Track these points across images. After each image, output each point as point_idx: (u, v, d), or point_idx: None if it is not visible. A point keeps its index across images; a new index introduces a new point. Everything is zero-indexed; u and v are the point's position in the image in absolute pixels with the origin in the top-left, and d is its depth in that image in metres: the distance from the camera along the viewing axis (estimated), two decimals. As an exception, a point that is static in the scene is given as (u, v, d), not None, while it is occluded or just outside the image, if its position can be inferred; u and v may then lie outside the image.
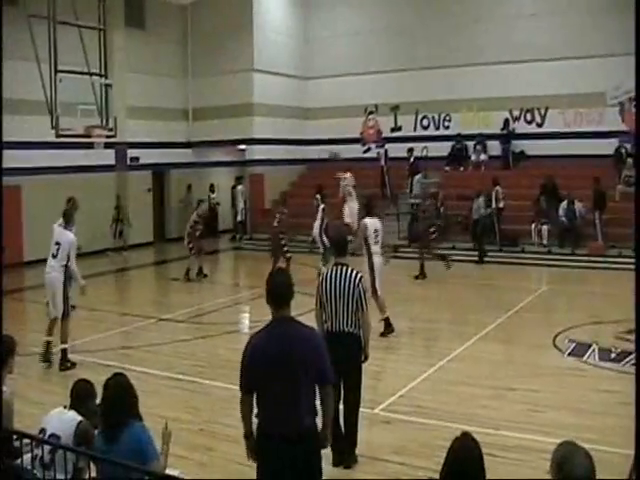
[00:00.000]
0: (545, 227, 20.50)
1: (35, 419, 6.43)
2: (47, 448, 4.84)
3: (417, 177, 24.16)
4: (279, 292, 5.05)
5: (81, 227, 20.57)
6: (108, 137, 17.45)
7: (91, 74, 16.72)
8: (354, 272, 7.21)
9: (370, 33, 26.74)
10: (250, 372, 4.97)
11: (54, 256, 10.97)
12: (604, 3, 22.27)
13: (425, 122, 26.54)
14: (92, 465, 4.90)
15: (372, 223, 12.32)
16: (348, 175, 22.03)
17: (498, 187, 21.14)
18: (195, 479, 6.49)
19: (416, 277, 17.82)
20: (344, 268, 7.22)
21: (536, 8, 23.85)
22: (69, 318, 11.15)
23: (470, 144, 25.34)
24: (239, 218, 26.26)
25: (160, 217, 26.49)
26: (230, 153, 27.78)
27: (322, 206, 17.64)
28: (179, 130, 26.84)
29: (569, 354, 10.95)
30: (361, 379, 7.30)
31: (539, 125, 24.47)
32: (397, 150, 25.34)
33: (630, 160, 20.77)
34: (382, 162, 25.30)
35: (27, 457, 4.97)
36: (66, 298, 11.06)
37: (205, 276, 18.45)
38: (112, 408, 4.83)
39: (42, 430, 5.15)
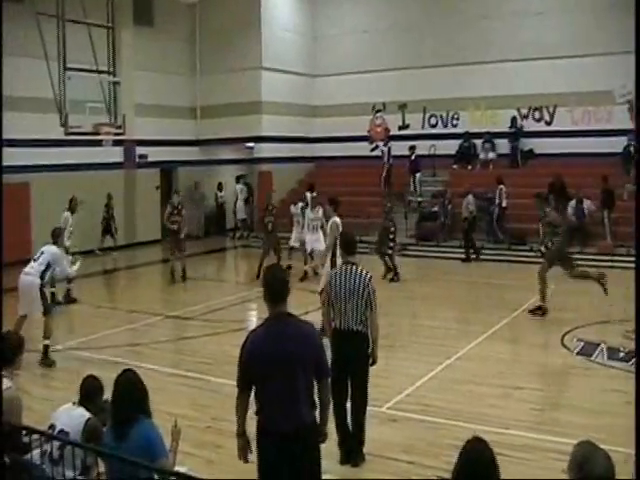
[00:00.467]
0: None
1: (42, 415, 6.47)
2: (56, 444, 4.85)
3: (418, 175, 24.17)
4: (276, 288, 5.06)
5: (88, 224, 20.86)
6: (116, 134, 17.49)
7: (99, 72, 16.76)
8: (364, 271, 7.19)
9: (378, 31, 26.71)
10: (248, 369, 4.99)
11: (34, 260, 11.13)
12: (612, 1, 22.17)
13: (433, 120, 26.49)
14: (100, 462, 4.92)
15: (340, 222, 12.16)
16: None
17: (502, 186, 21.13)
18: (203, 477, 6.49)
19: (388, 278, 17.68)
20: (353, 267, 7.20)
21: (544, 6, 23.77)
22: (51, 315, 11.16)
23: (478, 142, 25.28)
24: (240, 216, 26.40)
25: (168, 214, 26.47)
26: (238, 151, 27.80)
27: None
28: (187, 128, 26.87)
29: (577, 353, 10.93)
30: (368, 377, 7.30)
31: (548, 123, 24.41)
32: (405, 148, 25.35)
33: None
34: (385, 160, 25.29)
35: (36, 452, 4.99)
36: (44, 297, 11.09)
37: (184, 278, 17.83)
38: (121, 404, 4.84)
39: (51, 426, 5.18)
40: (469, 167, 24.97)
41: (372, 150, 27.20)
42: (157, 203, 25.40)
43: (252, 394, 5.16)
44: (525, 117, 24.61)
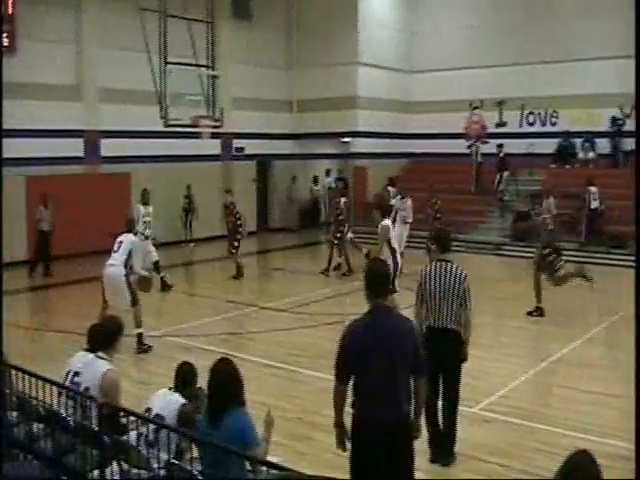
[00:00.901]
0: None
1: (139, 398, 6.64)
2: (152, 427, 4.96)
3: (505, 174, 23.74)
4: (378, 281, 5.07)
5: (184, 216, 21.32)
6: (214, 127, 17.78)
7: (199, 65, 17.07)
8: (459, 269, 7.09)
9: (476, 27, 26.30)
10: (348, 361, 5.00)
11: (115, 251, 11.33)
12: None
13: (531, 118, 25.98)
14: (194, 447, 5.00)
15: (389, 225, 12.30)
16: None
17: (591, 187, 20.56)
18: (293, 467, 6.55)
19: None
20: (448, 264, 7.10)
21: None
22: (139, 305, 11.39)
23: (577, 141, 24.64)
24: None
25: (263, 207, 26.88)
26: (333, 145, 27.90)
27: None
28: (283, 121, 27.12)
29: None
30: (460, 377, 7.20)
31: (652, 123, 23.57)
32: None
33: None
34: (474, 158, 24.91)
35: (133, 434, 5.12)
36: (130, 287, 11.27)
37: (237, 277, 17.22)
38: (218, 392, 4.89)
39: (148, 409, 5.31)
40: (567, 167, 24.35)
41: (468, 147, 26.85)
42: (253, 195, 25.76)
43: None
44: (627, 116, 23.82)
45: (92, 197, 19.74)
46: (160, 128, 16.82)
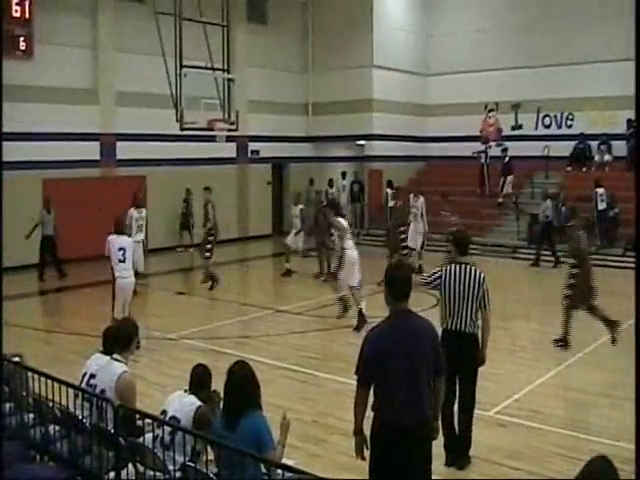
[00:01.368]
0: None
1: (156, 401, 6.66)
2: (167, 429, 4.98)
3: (509, 178, 23.71)
4: (401, 285, 5.07)
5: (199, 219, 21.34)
6: (230, 130, 17.79)
7: (214, 69, 17.08)
8: (477, 271, 7.07)
9: (492, 30, 26.23)
10: (372, 364, 5.01)
11: (122, 261, 11.37)
12: None
13: (547, 121, 25.87)
14: (209, 449, 5.01)
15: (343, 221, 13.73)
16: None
17: (599, 189, 20.51)
18: (307, 470, 6.55)
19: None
20: (467, 267, 7.09)
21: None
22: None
23: (593, 144, 24.52)
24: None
25: (279, 210, 26.91)
26: (349, 148, 27.91)
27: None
28: (299, 124, 27.17)
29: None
30: (476, 379, 7.18)
31: (669, 125, 23.42)
32: (516, 150, 24.95)
33: None
34: (482, 160, 24.89)
35: (149, 436, 5.14)
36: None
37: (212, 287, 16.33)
38: (234, 395, 4.91)
39: (163, 412, 5.31)
40: (584, 169, 24.23)
41: (483, 151, 26.73)
42: (269, 198, 25.80)
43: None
44: (644, 118, 23.63)
45: (108, 200, 19.80)
46: (176, 131, 16.84)
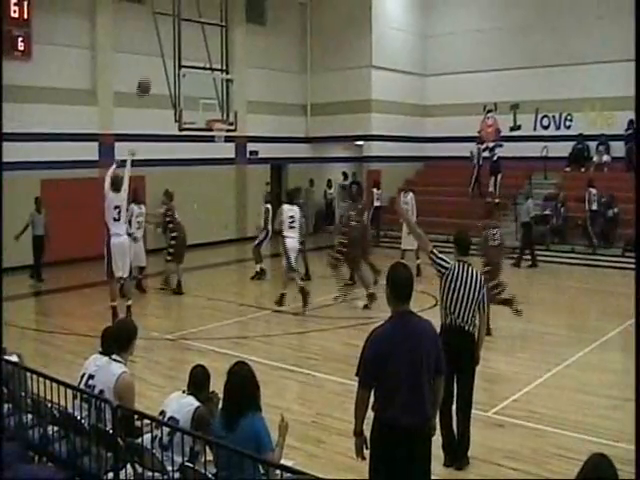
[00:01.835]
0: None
1: (155, 402, 6.66)
2: (166, 430, 4.98)
3: (497, 177, 23.90)
4: (402, 287, 5.07)
5: (199, 218, 21.38)
6: (228, 131, 17.79)
7: (213, 69, 17.07)
8: (478, 272, 7.11)
9: (490, 30, 26.23)
10: (374, 365, 5.01)
11: (117, 220, 11.43)
12: None
13: (545, 121, 25.87)
14: (208, 450, 5.01)
15: (289, 209, 14.42)
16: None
17: (591, 189, 20.62)
18: (305, 470, 6.55)
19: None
20: (470, 267, 7.10)
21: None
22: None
23: (592, 145, 24.54)
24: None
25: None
26: (348, 149, 27.93)
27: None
28: (297, 125, 27.16)
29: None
30: (474, 378, 7.18)
31: (669, 126, 23.43)
32: (515, 150, 24.99)
33: None
34: (475, 161, 24.92)
35: (147, 437, 5.14)
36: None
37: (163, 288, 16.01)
38: (234, 396, 4.90)
39: (162, 412, 5.31)
40: (582, 170, 24.25)
41: (483, 151, 26.76)
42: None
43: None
44: (646, 118, 23.63)
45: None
46: (174, 132, 16.83)
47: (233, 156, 24.54)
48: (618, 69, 22.81)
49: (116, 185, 11.97)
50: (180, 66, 15.81)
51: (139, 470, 4.96)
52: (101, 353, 6.02)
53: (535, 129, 25.94)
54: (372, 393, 5.10)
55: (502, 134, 26.57)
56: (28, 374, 5.86)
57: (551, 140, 25.00)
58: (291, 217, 14.46)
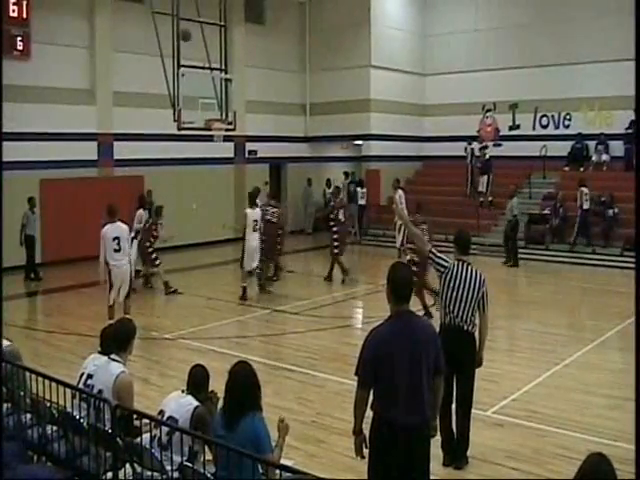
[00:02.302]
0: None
1: (154, 401, 6.66)
2: (165, 429, 4.97)
3: (489, 177, 23.96)
4: (402, 287, 5.06)
5: (197, 217, 21.39)
6: (227, 130, 17.77)
7: (212, 69, 17.05)
8: (478, 271, 7.08)
9: (489, 30, 26.24)
10: (373, 364, 5.00)
11: (117, 251, 11.66)
12: None
13: (544, 121, 25.85)
14: (207, 449, 5.00)
15: (252, 213, 14.97)
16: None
17: (583, 188, 20.67)
18: (304, 470, 6.54)
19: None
20: (470, 267, 7.08)
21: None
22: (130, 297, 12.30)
23: (591, 144, 24.54)
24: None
25: (277, 210, 26.90)
26: (346, 149, 27.92)
27: None
28: (296, 124, 27.16)
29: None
30: (474, 378, 7.17)
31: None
32: (514, 149, 25.01)
33: None
34: (469, 160, 24.94)
35: (146, 437, 5.13)
36: (131, 280, 12.27)
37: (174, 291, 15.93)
38: (236, 396, 4.88)
39: (161, 412, 5.30)
40: (581, 169, 24.24)
41: (480, 149, 26.76)
42: (266, 198, 25.75)
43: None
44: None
45: (105, 200, 19.78)
46: (173, 131, 16.81)
47: (232, 156, 24.53)
48: (617, 68, 22.80)
49: (111, 215, 12.00)
50: (179, 65, 15.78)
51: (138, 470, 4.95)
52: (100, 353, 6.03)
53: (534, 128, 25.92)
54: (372, 393, 5.09)
55: (501, 134, 26.57)
56: (27, 374, 5.85)
57: (550, 139, 24.97)
58: (254, 221, 15.04)
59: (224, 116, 17.11)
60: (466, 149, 25.41)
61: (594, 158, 24.37)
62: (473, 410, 7.25)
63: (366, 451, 5.18)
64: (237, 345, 11.67)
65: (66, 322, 13.32)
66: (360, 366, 5.08)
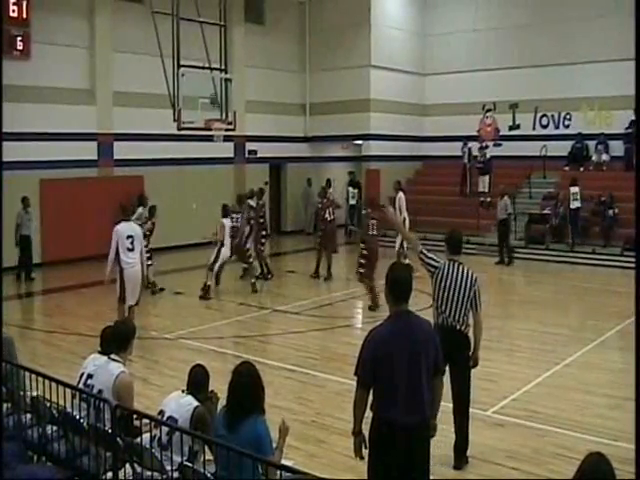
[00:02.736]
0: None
1: (154, 401, 6.66)
2: (165, 429, 4.97)
3: (487, 177, 23.95)
4: (400, 287, 5.07)
5: (197, 217, 21.37)
6: (227, 130, 17.77)
7: (212, 69, 17.05)
8: (470, 270, 7.06)
9: (489, 30, 26.23)
10: (372, 364, 5.00)
11: (130, 250, 11.31)
12: None
13: (544, 120, 25.86)
14: (207, 449, 5.00)
15: (228, 223, 15.85)
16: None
17: (572, 188, 20.72)
18: (304, 470, 6.54)
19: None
20: (461, 266, 7.07)
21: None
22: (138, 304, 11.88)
23: (591, 144, 24.55)
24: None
25: (277, 210, 26.93)
26: (345, 149, 27.92)
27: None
28: (296, 124, 27.17)
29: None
30: (470, 379, 7.15)
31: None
32: (515, 149, 25.01)
33: None
34: (465, 160, 24.94)
35: (146, 437, 5.13)
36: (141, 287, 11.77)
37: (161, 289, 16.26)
38: (240, 397, 4.85)
39: (161, 412, 5.30)
40: (581, 169, 24.24)
41: (479, 149, 26.75)
42: (266, 198, 25.75)
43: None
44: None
45: (105, 200, 19.85)
46: (173, 131, 16.81)
47: (232, 155, 24.54)
48: (617, 68, 22.79)
49: (124, 215, 11.90)
50: (179, 65, 15.78)
51: (138, 470, 4.96)
52: (100, 353, 6.03)
53: (534, 128, 25.92)
54: (371, 393, 5.09)
55: (501, 133, 26.57)
56: (27, 373, 5.85)
57: (550, 139, 24.97)
58: (232, 228, 15.97)
59: (224, 116, 17.11)
60: (463, 149, 25.41)
61: (594, 158, 24.37)
62: (473, 410, 7.25)
63: (366, 451, 5.18)
64: (237, 345, 11.67)
65: (66, 322, 13.32)
66: (359, 366, 5.08)
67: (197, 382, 5.51)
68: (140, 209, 16.04)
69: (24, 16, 18.36)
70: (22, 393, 5.87)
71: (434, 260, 7.07)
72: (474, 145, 25.36)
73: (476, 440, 7.29)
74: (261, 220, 17.50)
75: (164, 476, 4.81)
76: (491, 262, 19.52)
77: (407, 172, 27.23)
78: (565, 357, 10.88)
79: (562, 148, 24.47)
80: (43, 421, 5.66)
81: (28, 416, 5.87)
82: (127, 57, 20.76)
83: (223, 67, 17.10)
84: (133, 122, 20.86)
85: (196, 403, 5.28)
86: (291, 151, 26.68)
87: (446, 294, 6.95)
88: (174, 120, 16.11)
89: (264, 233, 17.62)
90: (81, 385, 5.73)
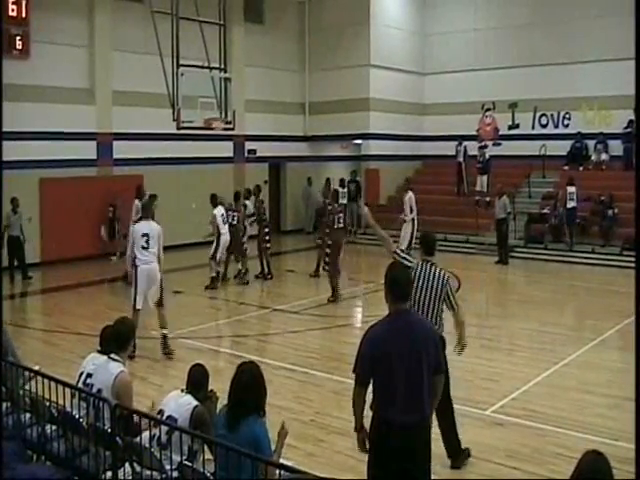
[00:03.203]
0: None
1: (151, 399, 6.64)
2: (164, 429, 4.96)
3: (485, 177, 23.88)
4: (400, 286, 5.05)
5: (196, 216, 21.35)
6: (227, 129, 17.76)
7: (211, 68, 17.05)
8: (442, 271, 6.97)
9: (489, 29, 26.24)
10: (370, 362, 4.99)
11: (145, 248, 11.03)
12: None
13: (544, 120, 25.84)
14: (206, 448, 4.99)
15: (219, 212, 16.21)
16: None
17: (569, 187, 20.76)
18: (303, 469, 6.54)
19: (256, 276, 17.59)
20: (433, 266, 6.99)
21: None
22: (164, 305, 11.21)
23: (590, 143, 24.55)
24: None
25: (276, 209, 26.92)
26: (345, 149, 27.92)
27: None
28: (296, 124, 27.16)
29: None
30: (449, 377, 7.06)
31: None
32: (514, 148, 25.02)
33: None
34: (460, 159, 24.94)
35: (145, 436, 5.12)
36: (161, 287, 11.13)
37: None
38: (241, 397, 4.84)
39: (160, 411, 5.29)
40: (580, 168, 24.24)
41: (479, 149, 26.75)
42: (266, 197, 25.77)
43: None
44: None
45: (105, 199, 19.87)
46: (173, 130, 16.82)
47: (231, 155, 24.55)
48: (616, 68, 22.77)
49: (144, 213, 11.71)
50: (178, 65, 15.79)
51: (137, 469, 4.95)
52: (99, 352, 6.02)
53: (533, 128, 25.92)
54: (371, 392, 5.08)
55: (500, 133, 26.57)
56: (26, 373, 5.84)
57: (549, 139, 24.97)
58: (222, 215, 16.28)
59: (223, 115, 17.10)
60: (457, 147, 25.40)
61: (593, 157, 24.37)
62: (473, 409, 7.26)
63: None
64: (236, 344, 11.65)
65: (65, 321, 13.31)
66: (357, 364, 5.08)
67: (196, 381, 5.50)
68: (136, 202, 15.61)
69: (23, 15, 18.36)
70: (21, 392, 5.86)
71: (408, 260, 7.07)
72: (469, 144, 25.34)
73: (476, 439, 7.30)
74: (263, 217, 17.50)
75: (163, 475, 4.80)
76: (490, 261, 19.53)
77: (407, 171, 27.24)
78: (564, 356, 10.88)
79: (561, 148, 24.46)
80: (42, 420, 5.65)
81: (27, 415, 5.86)
82: (127, 56, 20.75)
83: (222, 66, 17.11)
84: (132, 121, 20.86)
85: (195, 402, 5.28)
86: (290, 150, 26.67)
87: (418, 295, 6.85)
88: (173, 119, 16.12)
89: (267, 230, 17.57)
90: (80, 384, 5.72)
